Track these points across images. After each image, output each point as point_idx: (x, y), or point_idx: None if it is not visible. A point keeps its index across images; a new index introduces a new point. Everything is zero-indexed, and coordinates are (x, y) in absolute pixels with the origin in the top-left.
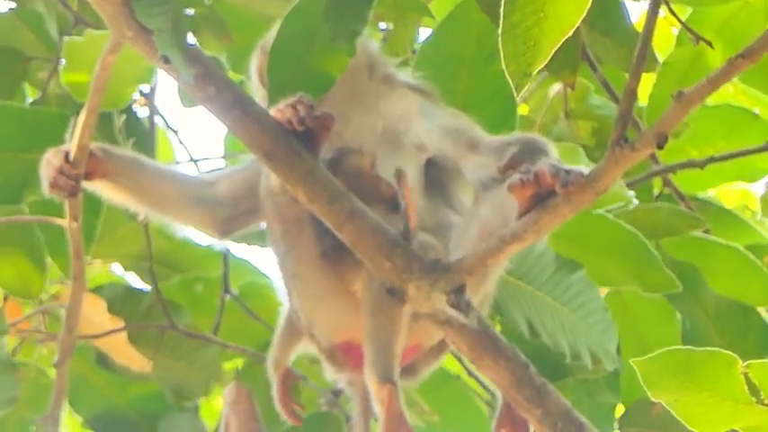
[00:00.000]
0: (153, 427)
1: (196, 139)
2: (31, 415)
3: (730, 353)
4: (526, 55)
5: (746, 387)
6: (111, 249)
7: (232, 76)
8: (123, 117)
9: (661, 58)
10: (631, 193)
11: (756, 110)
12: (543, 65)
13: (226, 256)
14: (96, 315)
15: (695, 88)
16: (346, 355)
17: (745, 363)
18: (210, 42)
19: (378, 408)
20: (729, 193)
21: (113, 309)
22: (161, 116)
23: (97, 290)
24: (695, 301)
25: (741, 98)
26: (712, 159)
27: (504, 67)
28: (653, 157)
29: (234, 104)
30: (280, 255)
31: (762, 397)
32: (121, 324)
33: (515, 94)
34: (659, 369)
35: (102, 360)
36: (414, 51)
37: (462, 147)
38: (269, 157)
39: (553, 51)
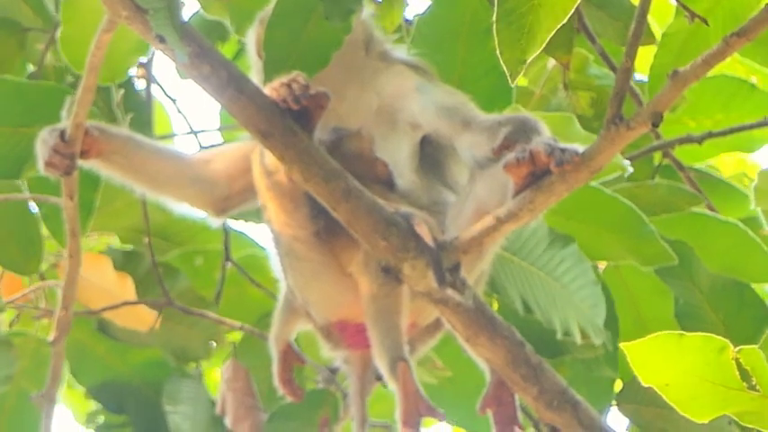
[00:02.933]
0: (156, 394)
1: (193, 109)
2: (32, 386)
3: (722, 338)
4: (521, 41)
5: (738, 372)
6: (107, 222)
7: (236, 38)
8: (122, 91)
9: (659, 29)
10: (626, 162)
11: (754, 78)
12: (538, 51)
13: (225, 225)
14: (102, 277)
15: (690, 67)
16: (342, 333)
17: (737, 348)
18: (212, 5)
19: (393, 387)
20: (727, 161)
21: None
22: (159, 85)
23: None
24: (689, 280)
25: (738, 67)
26: (711, 135)
27: (498, 54)
28: (653, 130)
29: (229, 83)
30: (275, 233)
31: (753, 382)
32: (129, 281)
33: (510, 82)
34: (650, 353)
35: (103, 328)
36: (408, 21)
37: (456, 125)
38: (264, 135)
39: (548, 38)
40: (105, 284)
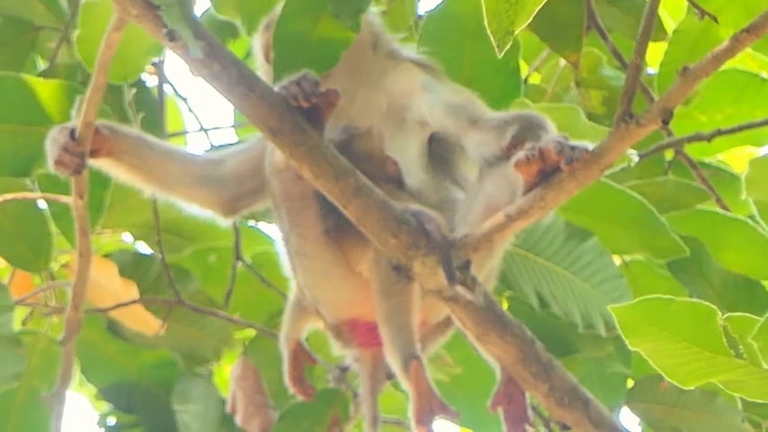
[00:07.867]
0: (166, 394)
1: (206, 108)
2: (42, 384)
3: (709, 304)
4: (508, 12)
5: (725, 340)
6: (120, 218)
7: (246, 39)
8: (134, 90)
9: (673, 25)
10: (632, 151)
11: (764, 74)
12: (526, 24)
13: (236, 224)
14: (108, 281)
15: (700, 64)
16: (353, 331)
17: (725, 315)
18: (224, 6)
19: (406, 385)
20: (738, 156)
21: (123, 275)
22: (170, 84)
23: (106, 257)
24: (701, 276)
25: (749, 62)
26: (720, 132)
27: (485, 24)
28: (663, 127)
29: (239, 81)
30: (284, 232)
31: (740, 350)
32: (133, 288)
33: (497, 53)
34: (637, 317)
35: (114, 328)
36: (420, 17)
37: (464, 123)
38: (274, 133)
39: (537, 9)
40: (111, 288)
